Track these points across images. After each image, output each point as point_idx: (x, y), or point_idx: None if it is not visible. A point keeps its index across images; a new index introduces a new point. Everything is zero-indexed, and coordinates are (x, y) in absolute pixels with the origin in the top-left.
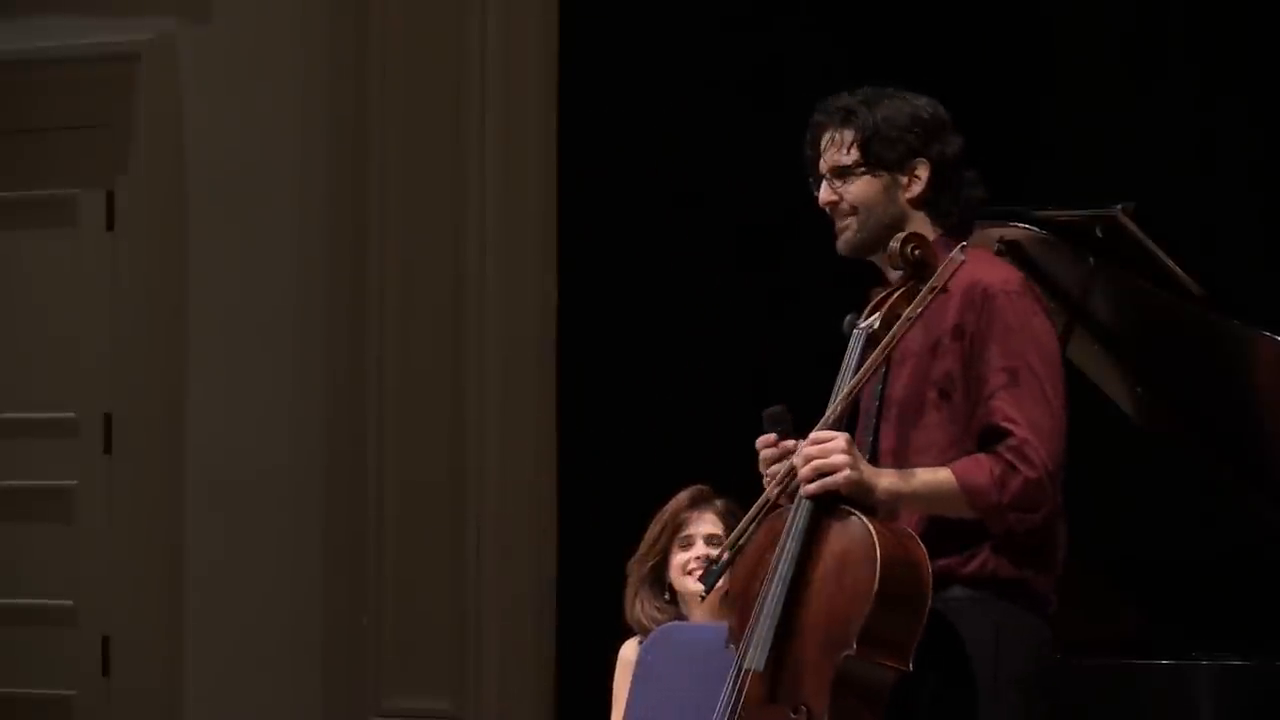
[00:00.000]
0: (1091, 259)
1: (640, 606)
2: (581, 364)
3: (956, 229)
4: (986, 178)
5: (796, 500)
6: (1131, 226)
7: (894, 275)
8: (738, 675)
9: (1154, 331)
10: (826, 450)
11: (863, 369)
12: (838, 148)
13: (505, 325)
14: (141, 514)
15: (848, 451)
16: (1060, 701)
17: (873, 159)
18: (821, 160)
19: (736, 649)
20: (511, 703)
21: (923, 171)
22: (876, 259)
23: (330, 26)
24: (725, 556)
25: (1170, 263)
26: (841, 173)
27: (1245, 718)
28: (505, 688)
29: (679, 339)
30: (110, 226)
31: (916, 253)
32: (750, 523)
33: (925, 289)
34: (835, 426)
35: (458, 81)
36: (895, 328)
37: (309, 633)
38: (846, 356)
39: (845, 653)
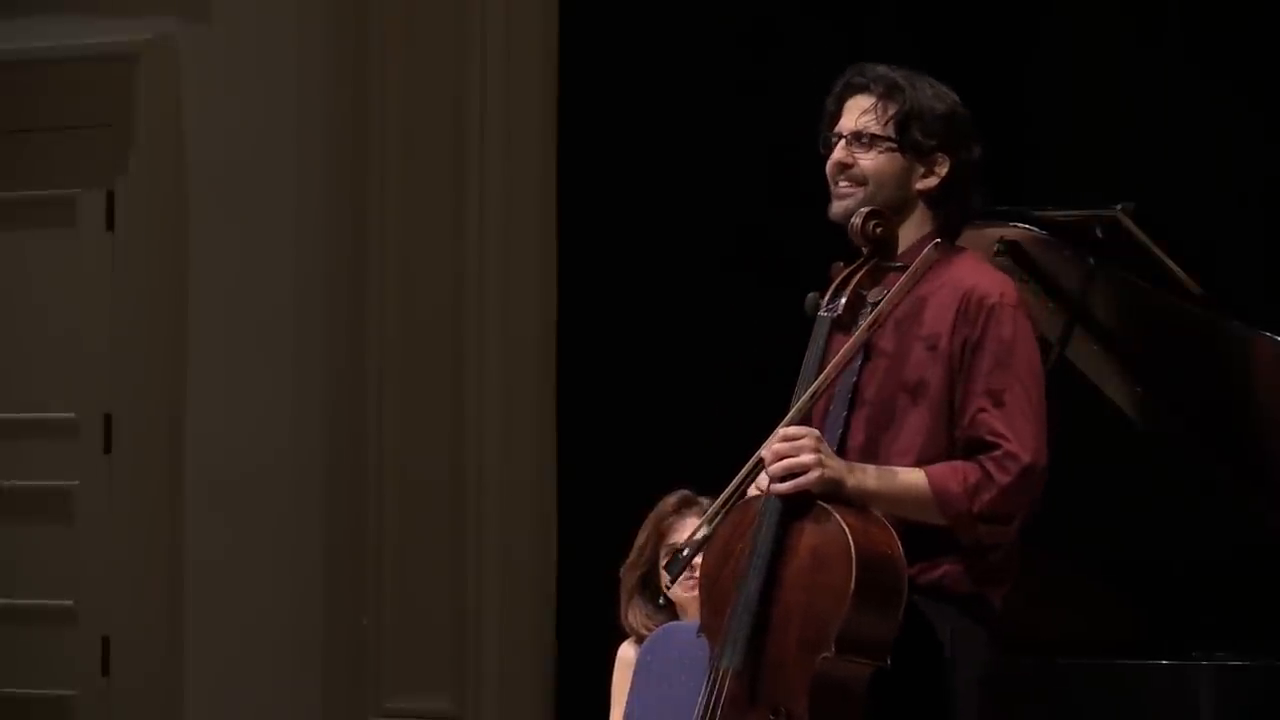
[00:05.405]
0: (1091, 259)
1: (634, 614)
2: (581, 364)
3: (948, 232)
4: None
5: (765, 496)
6: (1132, 226)
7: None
8: (715, 673)
9: (1154, 331)
10: (797, 448)
11: (834, 363)
12: (873, 115)
13: (505, 325)
14: (141, 514)
15: (817, 449)
16: (1060, 702)
17: (906, 140)
18: (843, 120)
19: (710, 642)
20: (511, 703)
21: (942, 168)
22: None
23: (330, 26)
24: (687, 551)
25: (1170, 263)
26: (867, 139)
27: (1245, 718)
28: (505, 688)
29: (679, 339)
30: (110, 226)
31: (879, 230)
32: (717, 513)
33: (900, 285)
34: (804, 420)
35: (458, 81)
36: (867, 321)
37: (309, 633)
38: (812, 342)
39: (823, 654)
